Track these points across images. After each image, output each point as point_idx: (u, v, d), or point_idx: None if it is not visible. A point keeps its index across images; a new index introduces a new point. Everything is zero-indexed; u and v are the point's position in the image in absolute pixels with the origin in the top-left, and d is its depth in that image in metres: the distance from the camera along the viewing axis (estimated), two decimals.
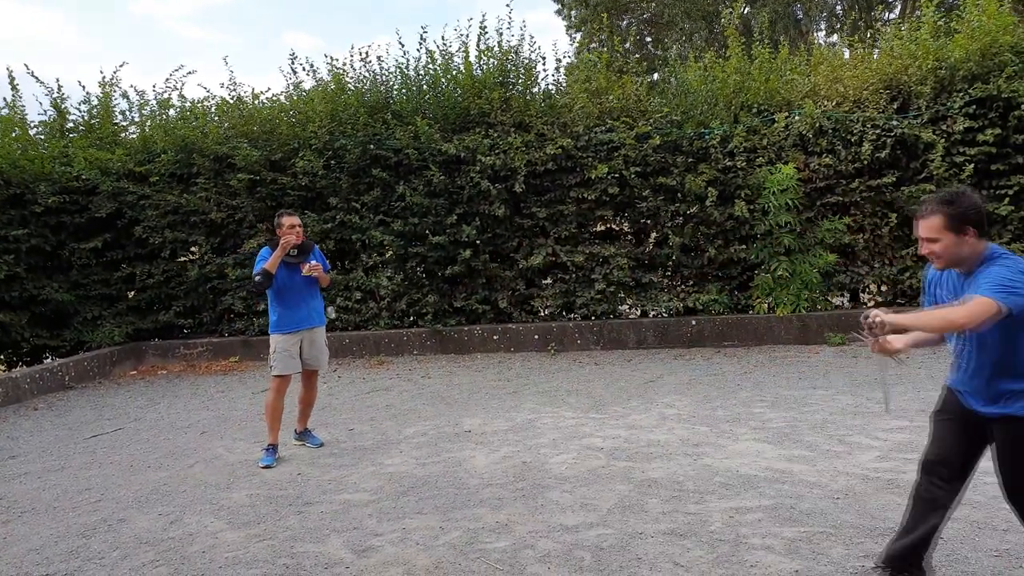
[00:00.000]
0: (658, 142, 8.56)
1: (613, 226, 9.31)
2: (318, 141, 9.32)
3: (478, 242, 9.26)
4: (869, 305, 8.93)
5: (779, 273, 8.30)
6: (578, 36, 24.53)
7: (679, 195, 8.66)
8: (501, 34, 9.88)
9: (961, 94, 7.96)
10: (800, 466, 4.48)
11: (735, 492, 4.13)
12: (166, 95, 10.45)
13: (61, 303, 9.66)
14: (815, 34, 23.48)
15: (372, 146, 9.19)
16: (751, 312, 8.71)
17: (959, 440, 2.84)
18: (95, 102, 10.46)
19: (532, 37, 20.02)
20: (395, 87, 9.71)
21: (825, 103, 8.53)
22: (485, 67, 9.34)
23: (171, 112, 10.30)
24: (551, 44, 41.22)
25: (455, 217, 9.08)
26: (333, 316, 9.28)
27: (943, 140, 7.94)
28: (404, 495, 4.48)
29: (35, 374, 8.52)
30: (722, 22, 13.80)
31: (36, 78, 10.50)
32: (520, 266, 9.12)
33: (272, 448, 5.34)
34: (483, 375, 7.95)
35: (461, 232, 9.05)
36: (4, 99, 10.02)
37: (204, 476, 5.14)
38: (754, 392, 6.40)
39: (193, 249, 10.06)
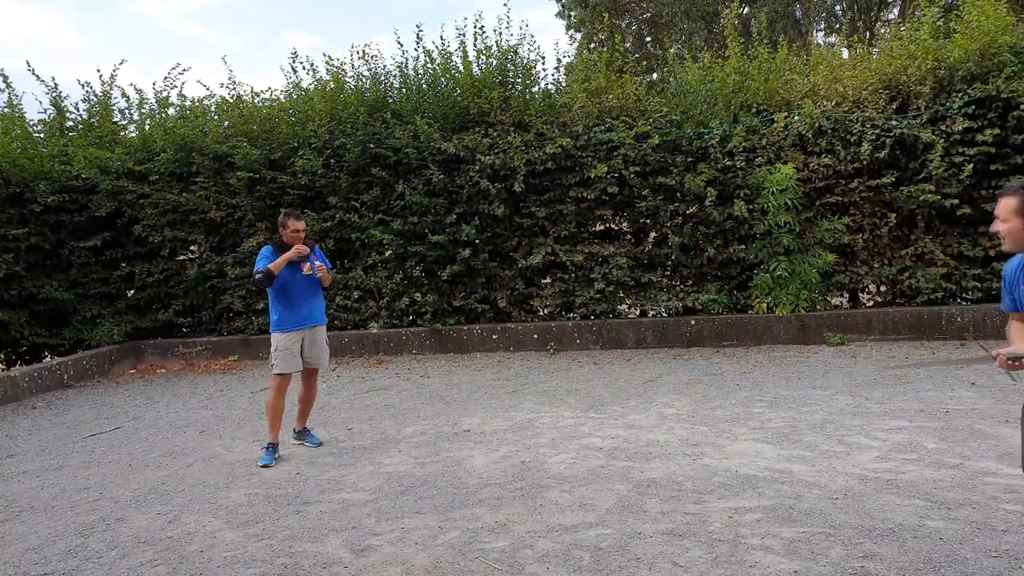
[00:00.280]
0: (657, 142, 8.56)
1: (612, 226, 9.31)
2: (318, 140, 9.33)
3: (477, 241, 9.26)
4: (869, 305, 8.94)
5: (778, 273, 8.30)
6: (578, 36, 24.54)
7: (678, 195, 8.67)
8: (500, 34, 9.83)
9: (960, 94, 7.95)
10: (799, 466, 4.48)
11: (734, 492, 4.13)
12: (165, 94, 10.46)
13: (60, 302, 9.66)
14: (814, 34, 23.50)
15: (371, 145, 9.19)
16: (750, 312, 8.70)
17: None
18: (94, 101, 10.45)
19: (532, 37, 20.01)
20: (394, 86, 9.71)
21: (824, 103, 8.52)
22: (484, 66, 9.33)
23: (171, 111, 10.30)
24: (551, 44, 41.20)
25: (454, 216, 9.09)
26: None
27: (942, 140, 7.94)
28: (403, 494, 4.47)
29: (34, 373, 8.52)
30: (721, 22, 13.81)
31: (36, 76, 10.51)
32: (519, 265, 9.12)
33: (272, 447, 5.34)
34: (482, 374, 7.94)
35: (460, 231, 9.05)
36: (10, 93, 10.00)
37: (203, 475, 5.13)
38: (753, 392, 6.40)
39: (192, 248, 10.06)
